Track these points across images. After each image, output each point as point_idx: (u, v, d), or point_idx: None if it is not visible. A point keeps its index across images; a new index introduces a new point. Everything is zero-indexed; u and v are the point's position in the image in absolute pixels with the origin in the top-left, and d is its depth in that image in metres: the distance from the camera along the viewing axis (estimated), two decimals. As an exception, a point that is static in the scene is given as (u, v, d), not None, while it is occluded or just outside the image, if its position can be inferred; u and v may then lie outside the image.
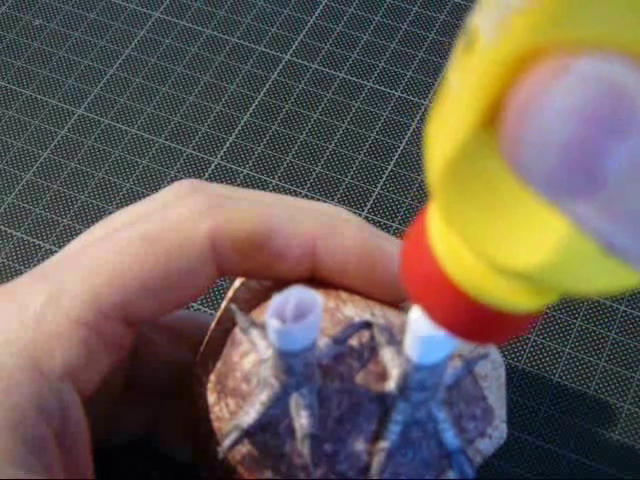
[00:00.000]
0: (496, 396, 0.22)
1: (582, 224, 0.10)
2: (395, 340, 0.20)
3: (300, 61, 0.40)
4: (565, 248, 0.11)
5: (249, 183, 0.37)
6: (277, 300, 0.17)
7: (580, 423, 0.31)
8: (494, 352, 0.23)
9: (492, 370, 0.22)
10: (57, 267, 0.21)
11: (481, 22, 0.11)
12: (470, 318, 0.15)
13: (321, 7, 0.42)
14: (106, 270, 0.20)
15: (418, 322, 0.17)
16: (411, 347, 0.18)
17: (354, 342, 0.20)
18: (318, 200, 0.36)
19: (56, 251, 0.35)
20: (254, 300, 0.22)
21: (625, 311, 0.33)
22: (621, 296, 0.33)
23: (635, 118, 0.09)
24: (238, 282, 0.24)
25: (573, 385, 0.32)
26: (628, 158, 0.10)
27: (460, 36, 0.12)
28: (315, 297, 0.17)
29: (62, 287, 0.20)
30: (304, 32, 0.41)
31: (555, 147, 0.10)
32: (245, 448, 0.20)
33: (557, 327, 0.33)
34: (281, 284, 0.22)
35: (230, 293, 0.23)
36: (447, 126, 0.12)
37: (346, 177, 0.37)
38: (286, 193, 0.36)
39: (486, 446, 0.21)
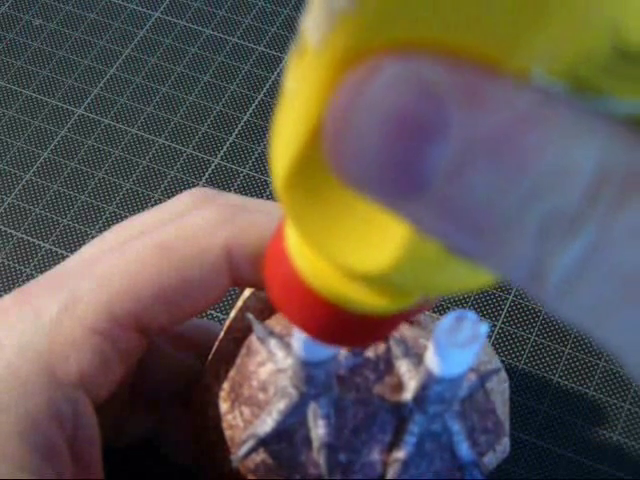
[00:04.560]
0: (501, 411, 0.22)
1: (417, 225, 0.10)
2: (411, 352, 0.20)
3: (300, 61, 0.40)
4: (410, 249, 0.11)
5: (249, 183, 0.37)
6: None
7: (580, 423, 0.31)
8: (502, 367, 0.23)
9: (498, 385, 0.22)
10: (73, 274, 0.21)
11: (309, 25, 0.10)
12: (329, 322, 0.15)
13: (321, 7, 0.42)
14: (121, 279, 0.20)
15: (444, 335, 0.17)
16: (435, 360, 0.18)
17: (370, 354, 0.20)
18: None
19: (56, 251, 0.35)
20: (267, 310, 0.22)
21: (625, 311, 0.33)
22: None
23: (446, 118, 0.09)
24: (248, 292, 0.24)
25: (573, 385, 0.32)
26: (445, 158, 0.09)
27: (296, 39, 0.11)
28: None
29: (78, 295, 0.20)
30: (304, 32, 0.41)
31: (370, 150, 0.10)
32: (259, 457, 0.20)
33: (557, 327, 0.33)
34: None
35: (240, 303, 0.24)
36: (285, 133, 0.11)
37: (346, 177, 0.37)
38: (286, 193, 0.36)
39: (490, 460, 0.21)
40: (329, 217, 0.12)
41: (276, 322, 0.21)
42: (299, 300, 0.15)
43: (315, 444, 0.19)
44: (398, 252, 0.11)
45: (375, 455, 0.20)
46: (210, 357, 0.23)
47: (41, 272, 0.34)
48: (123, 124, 0.38)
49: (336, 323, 0.15)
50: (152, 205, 0.36)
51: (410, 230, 0.11)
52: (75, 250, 0.35)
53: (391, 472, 0.20)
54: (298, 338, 0.18)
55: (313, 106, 0.10)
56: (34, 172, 0.37)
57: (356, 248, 0.12)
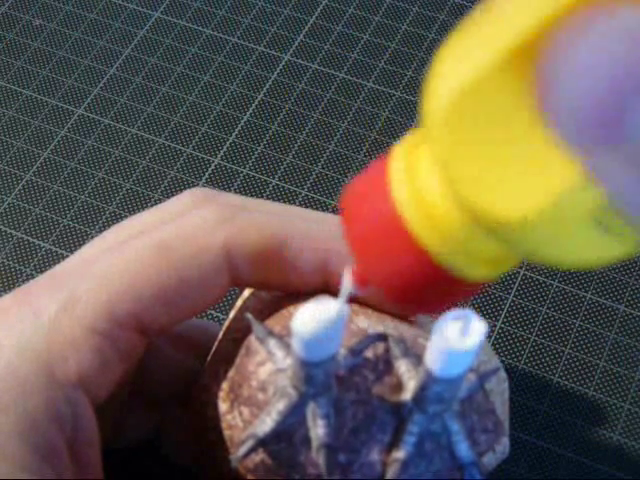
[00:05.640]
0: (500, 411, 0.22)
1: (602, 177, 0.10)
2: (410, 352, 0.20)
3: (300, 61, 0.40)
4: (555, 206, 0.11)
5: (249, 183, 0.37)
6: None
7: (580, 423, 0.31)
8: (501, 367, 0.23)
9: (497, 385, 0.22)
10: (72, 273, 0.21)
11: None
12: (412, 275, 0.14)
13: (321, 7, 0.42)
14: (121, 279, 0.20)
15: (443, 334, 0.17)
16: (434, 359, 0.18)
17: (369, 354, 0.20)
18: (318, 200, 0.36)
19: (56, 251, 0.35)
20: (266, 310, 0.22)
21: (625, 311, 0.33)
22: (621, 296, 0.34)
23: None
24: (247, 292, 0.24)
25: (573, 385, 0.32)
26: None
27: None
28: (341, 307, 0.17)
29: (77, 295, 0.20)
30: (304, 32, 0.41)
31: (586, 93, 0.10)
32: (258, 457, 0.20)
33: (557, 327, 0.33)
34: (292, 295, 0.22)
35: (239, 303, 0.23)
36: (464, 52, 0.11)
37: (346, 177, 0.37)
38: (286, 193, 0.36)
39: (489, 460, 0.21)
40: (481, 155, 0.12)
41: (275, 322, 0.21)
42: (387, 246, 0.14)
43: (314, 444, 0.19)
44: (542, 206, 0.11)
45: (374, 455, 0.20)
46: (209, 357, 0.23)
47: (41, 272, 0.34)
48: (123, 124, 0.38)
49: (418, 278, 0.14)
50: (152, 205, 0.36)
51: (561, 186, 0.11)
52: (75, 250, 0.35)
53: (390, 472, 0.20)
54: (298, 337, 0.18)
55: (526, 29, 0.10)
56: (34, 172, 0.37)
57: (500, 192, 0.12)
